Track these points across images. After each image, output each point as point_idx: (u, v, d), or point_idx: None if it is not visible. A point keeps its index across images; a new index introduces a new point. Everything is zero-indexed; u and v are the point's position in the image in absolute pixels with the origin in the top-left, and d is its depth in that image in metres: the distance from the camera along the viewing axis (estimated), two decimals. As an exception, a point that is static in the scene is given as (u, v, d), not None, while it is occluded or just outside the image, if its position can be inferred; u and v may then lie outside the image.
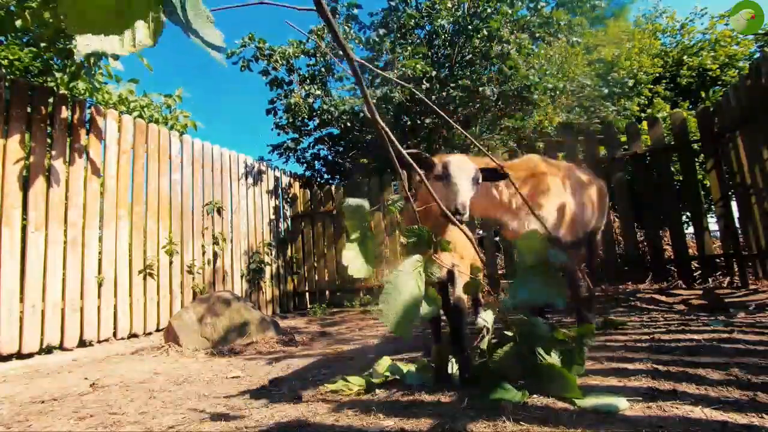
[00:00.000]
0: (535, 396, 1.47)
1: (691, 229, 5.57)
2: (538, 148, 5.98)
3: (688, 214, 6.35)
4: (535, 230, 1.43)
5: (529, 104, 7.89)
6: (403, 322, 1.28)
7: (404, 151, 1.36)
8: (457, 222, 1.56)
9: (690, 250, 4.86)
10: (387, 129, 1.25)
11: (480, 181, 1.85)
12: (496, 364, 1.66)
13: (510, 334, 1.68)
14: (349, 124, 8.74)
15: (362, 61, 1.11)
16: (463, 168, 1.78)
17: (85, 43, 0.77)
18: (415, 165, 1.43)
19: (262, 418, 1.54)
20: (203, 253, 5.15)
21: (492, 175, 1.92)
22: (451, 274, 1.90)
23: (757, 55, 9.26)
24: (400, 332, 1.27)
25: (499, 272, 5.63)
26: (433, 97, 8.01)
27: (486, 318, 1.90)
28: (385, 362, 1.99)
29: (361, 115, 8.87)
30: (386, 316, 1.29)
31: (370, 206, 1.57)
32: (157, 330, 4.37)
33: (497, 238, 6.20)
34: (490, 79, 7.97)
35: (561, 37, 8.46)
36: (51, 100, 3.84)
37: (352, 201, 1.50)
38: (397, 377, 1.89)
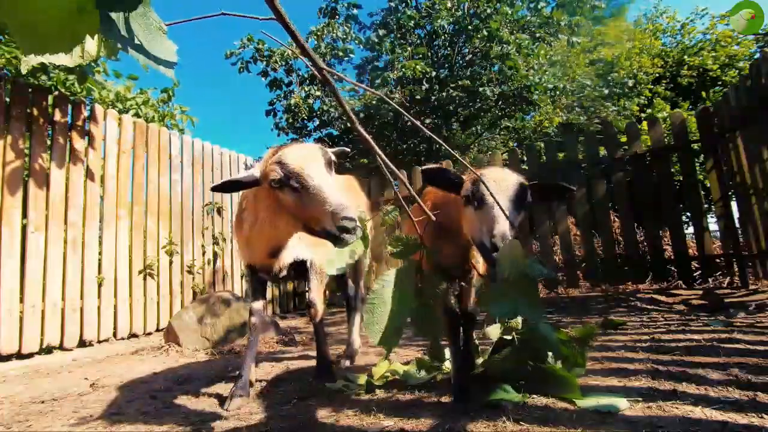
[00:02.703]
0: (535, 396, 1.47)
1: (691, 229, 5.57)
2: (538, 148, 5.98)
3: (688, 214, 6.35)
4: (515, 241, 1.28)
5: (529, 104, 7.89)
6: (388, 335, 1.23)
7: (390, 164, 1.25)
8: (492, 259, 1.27)
9: (690, 250, 4.86)
10: (369, 137, 1.19)
11: (530, 201, 1.44)
12: (496, 366, 1.66)
13: (509, 338, 1.67)
14: (348, 125, 8.75)
15: (330, 70, 1.07)
16: (501, 185, 1.39)
17: (31, 55, 0.74)
18: (399, 175, 1.32)
19: (262, 419, 1.54)
20: (203, 253, 5.15)
21: (550, 192, 1.54)
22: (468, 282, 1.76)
23: (757, 55, 9.25)
24: (386, 346, 1.23)
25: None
26: (433, 97, 8.02)
27: (491, 332, 1.83)
28: (385, 362, 1.99)
29: (361, 115, 8.88)
30: (370, 327, 1.25)
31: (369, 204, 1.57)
32: (157, 330, 4.36)
33: None
34: (490, 80, 7.97)
35: (561, 38, 8.46)
36: (51, 100, 3.84)
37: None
38: (397, 377, 1.89)
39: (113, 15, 0.68)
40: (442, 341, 1.99)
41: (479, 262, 1.62)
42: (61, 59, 0.74)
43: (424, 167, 1.51)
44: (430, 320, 1.35)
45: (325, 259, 2.13)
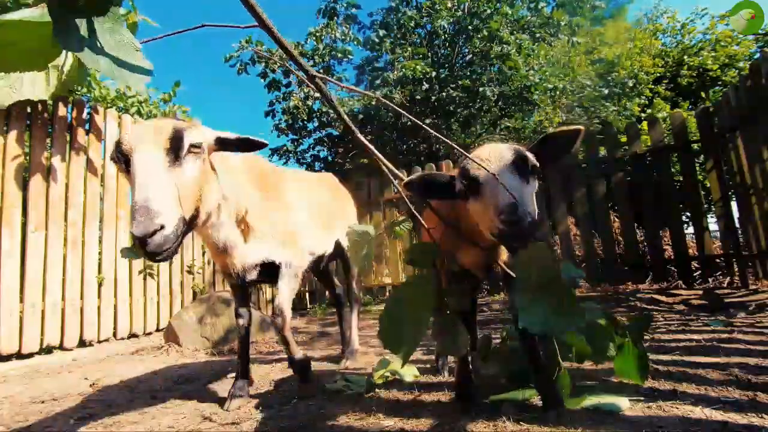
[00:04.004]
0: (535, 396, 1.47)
1: (691, 229, 5.57)
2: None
3: (688, 214, 6.35)
4: (540, 243, 1.12)
5: (530, 104, 7.89)
6: (404, 344, 1.17)
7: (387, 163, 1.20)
8: (513, 248, 1.09)
9: (690, 250, 4.86)
10: (366, 141, 1.15)
11: (537, 166, 1.23)
12: (499, 365, 1.66)
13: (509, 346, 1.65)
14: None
15: (321, 75, 1.03)
16: (496, 162, 1.19)
17: (7, 93, 0.77)
18: (401, 176, 1.24)
19: (262, 419, 1.54)
20: (203, 253, 5.15)
21: (559, 146, 1.28)
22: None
23: (757, 55, 9.26)
24: (403, 356, 1.16)
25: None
26: (433, 97, 8.02)
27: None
28: (385, 362, 1.99)
29: (360, 116, 8.88)
30: (385, 336, 1.18)
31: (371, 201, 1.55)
32: (157, 330, 4.36)
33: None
34: (490, 80, 7.97)
35: (561, 38, 8.46)
36: (50, 99, 3.84)
37: (355, 226, 1.52)
38: (397, 377, 1.90)
39: (81, 29, 0.66)
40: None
41: (504, 252, 1.44)
42: (38, 93, 0.78)
43: (406, 180, 1.28)
44: (452, 336, 1.27)
45: (301, 259, 1.99)
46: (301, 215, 2.12)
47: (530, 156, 1.23)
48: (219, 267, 1.81)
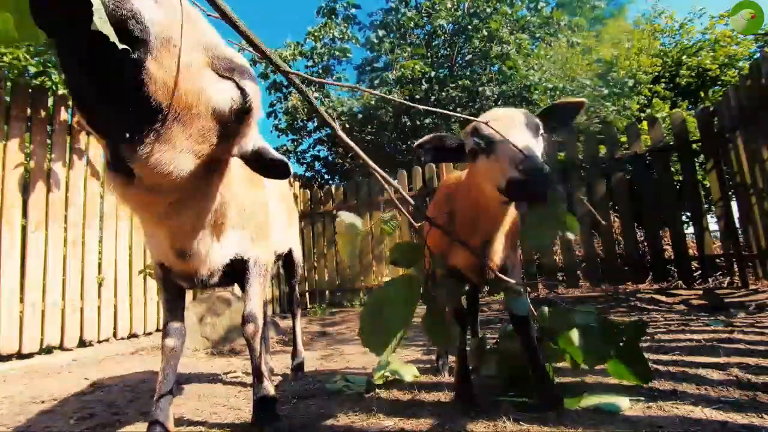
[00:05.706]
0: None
1: (691, 229, 5.57)
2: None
3: (688, 214, 6.35)
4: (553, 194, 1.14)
5: (530, 104, 7.89)
6: (383, 343, 1.14)
7: (376, 166, 1.13)
8: (526, 194, 1.10)
9: (690, 250, 4.86)
10: (351, 142, 1.08)
11: (541, 132, 1.27)
12: (497, 365, 1.65)
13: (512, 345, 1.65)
14: (348, 125, 8.76)
15: (298, 73, 0.98)
16: (508, 120, 1.23)
17: None
18: (387, 177, 1.18)
19: (262, 418, 1.53)
20: (203, 254, 5.15)
21: (561, 117, 1.35)
22: (504, 269, 1.50)
23: (757, 55, 9.26)
24: (381, 355, 1.14)
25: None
26: (433, 97, 8.03)
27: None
28: (385, 362, 1.99)
29: (360, 116, 8.88)
30: (365, 335, 1.16)
31: (367, 210, 1.52)
32: (157, 330, 4.36)
33: None
34: (490, 80, 7.98)
35: (561, 38, 8.47)
36: (51, 101, 3.84)
37: (345, 216, 1.46)
38: (397, 377, 1.90)
39: None
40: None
41: (497, 254, 1.45)
42: None
43: (417, 142, 1.34)
44: (442, 330, 1.28)
45: (269, 255, 1.57)
46: (272, 205, 1.75)
47: (538, 121, 1.28)
48: (171, 270, 1.34)
